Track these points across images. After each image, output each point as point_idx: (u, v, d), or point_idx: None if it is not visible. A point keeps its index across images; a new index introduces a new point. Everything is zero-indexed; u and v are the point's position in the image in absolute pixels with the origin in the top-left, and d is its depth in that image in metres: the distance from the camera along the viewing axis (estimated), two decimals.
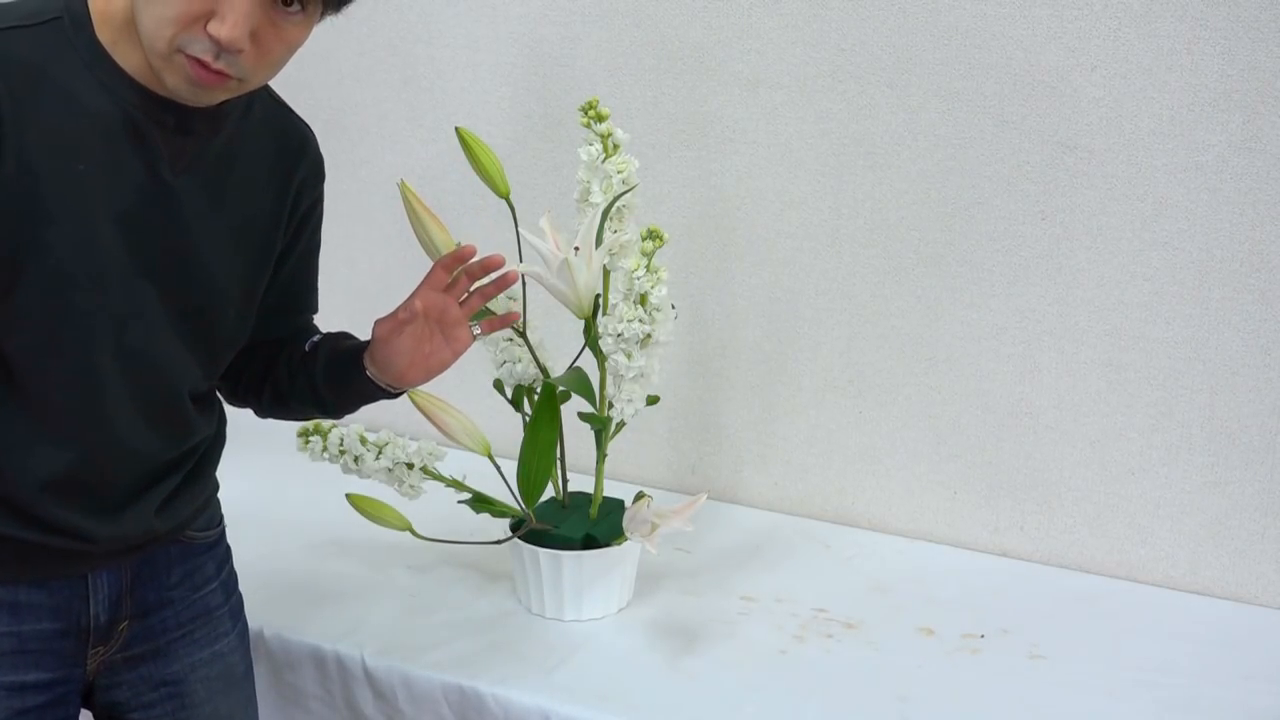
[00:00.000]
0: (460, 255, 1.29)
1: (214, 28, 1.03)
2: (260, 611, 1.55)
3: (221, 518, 1.39)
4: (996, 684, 1.45)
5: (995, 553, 1.78)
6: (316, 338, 1.37)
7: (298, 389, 1.35)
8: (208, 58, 1.05)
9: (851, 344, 1.80)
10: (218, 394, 1.37)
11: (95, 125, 1.10)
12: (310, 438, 1.58)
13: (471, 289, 1.32)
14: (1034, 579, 1.71)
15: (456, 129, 1.50)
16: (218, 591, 1.36)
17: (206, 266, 1.20)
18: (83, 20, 1.10)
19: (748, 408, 1.89)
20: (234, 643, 1.37)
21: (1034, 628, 1.57)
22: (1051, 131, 1.62)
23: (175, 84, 1.08)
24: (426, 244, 1.47)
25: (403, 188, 1.46)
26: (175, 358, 1.22)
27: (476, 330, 1.33)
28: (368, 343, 1.32)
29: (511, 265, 1.34)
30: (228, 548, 1.41)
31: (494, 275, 1.31)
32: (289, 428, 1.52)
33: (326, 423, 1.57)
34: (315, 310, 1.42)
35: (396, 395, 1.34)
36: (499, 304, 1.52)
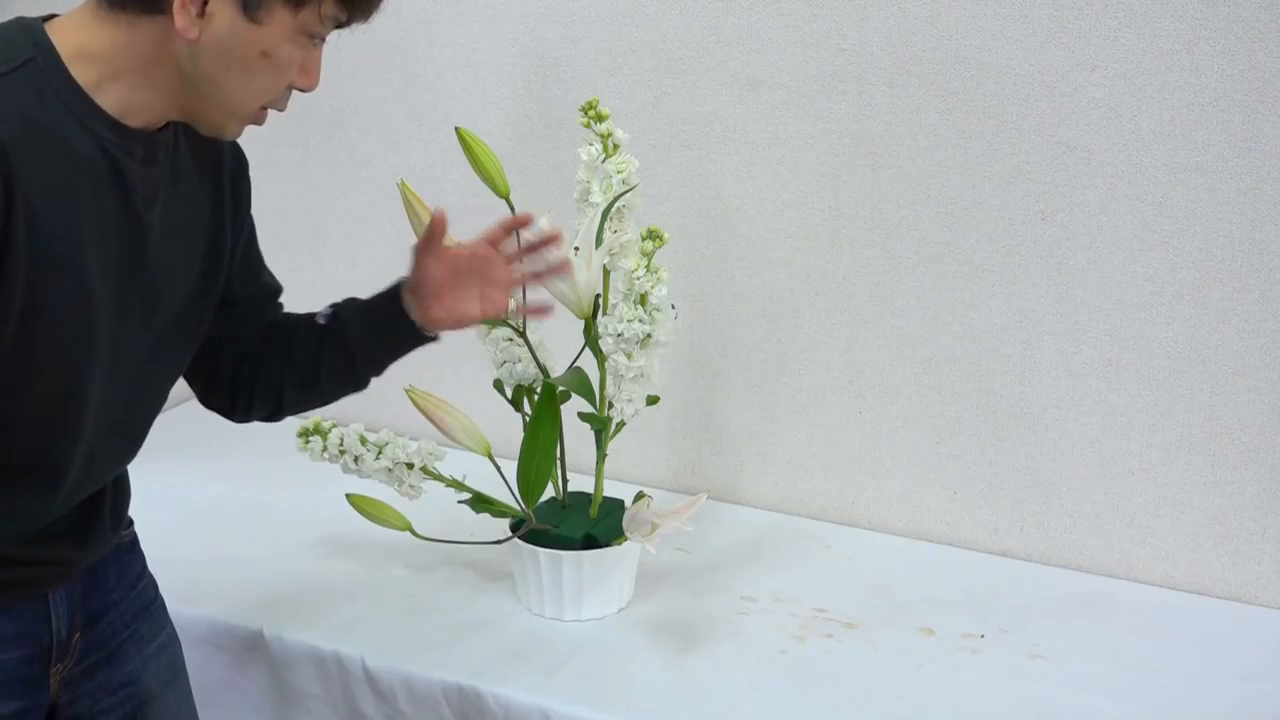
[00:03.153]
0: (520, 220, 1.36)
1: (304, 81, 1.13)
2: (260, 611, 1.55)
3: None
4: (996, 684, 1.45)
5: (995, 553, 1.78)
6: (326, 308, 1.37)
7: (326, 358, 1.35)
8: (283, 106, 1.14)
9: (851, 344, 1.80)
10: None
11: (84, 170, 1.07)
12: (310, 438, 1.57)
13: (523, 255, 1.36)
14: (1034, 579, 1.71)
15: (456, 129, 1.50)
16: (150, 586, 1.36)
17: (174, 290, 1.20)
18: (54, 60, 1.06)
19: (748, 408, 1.89)
20: (172, 634, 1.37)
21: (1034, 628, 1.57)
22: (1051, 131, 1.62)
23: (235, 131, 1.15)
24: None
25: (403, 188, 1.47)
26: (156, 383, 1.23)
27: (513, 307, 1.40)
28: (397, 287, 1.34)
29: (566, 251, 1.41)
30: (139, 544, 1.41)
31: (547, 248, 1.37)
32: (288, 428, 1.52)
33: (326, 422, 1.57)
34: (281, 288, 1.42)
35: (429, 339, 1.35)
36: None
